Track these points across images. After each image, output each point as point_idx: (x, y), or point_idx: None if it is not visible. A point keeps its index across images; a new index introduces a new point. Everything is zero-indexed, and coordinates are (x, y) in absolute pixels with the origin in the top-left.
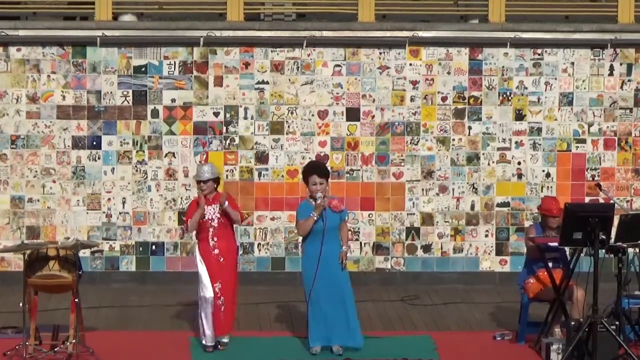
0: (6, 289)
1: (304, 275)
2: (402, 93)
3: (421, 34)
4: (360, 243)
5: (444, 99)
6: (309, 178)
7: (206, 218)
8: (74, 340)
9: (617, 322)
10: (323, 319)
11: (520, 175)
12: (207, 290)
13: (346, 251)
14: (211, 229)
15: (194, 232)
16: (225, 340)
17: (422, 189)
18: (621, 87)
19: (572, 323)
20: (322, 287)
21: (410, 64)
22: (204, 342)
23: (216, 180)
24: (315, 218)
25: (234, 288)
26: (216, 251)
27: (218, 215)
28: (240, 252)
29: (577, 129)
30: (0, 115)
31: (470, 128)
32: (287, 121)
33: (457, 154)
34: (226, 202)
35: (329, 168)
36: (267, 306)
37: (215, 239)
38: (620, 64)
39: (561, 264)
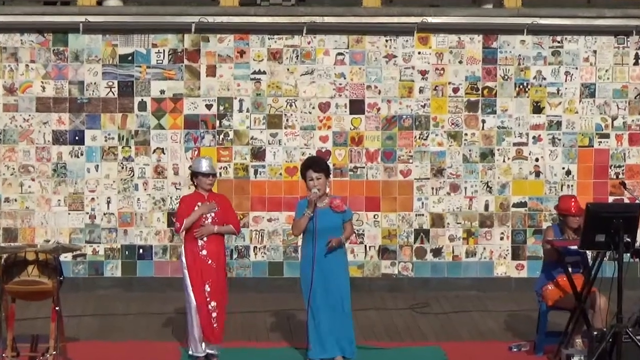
0: None
1: (302, 280)
2: (410, 84)
3: (431, 19)
4: (365, 246)
5: (455, 90)
6: (306, 174)
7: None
8: (54, 352)
9: None
10: (323, 328)
11: (538, 173)
12: (194, 295)
13: (340, 239)
14: None
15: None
16: (213, 352)
17: (432, 188)
18: None
19: (595, 333)
20: (320, 294)
21: (419, 53)
22: (191, 352)
23: (214, 175)
24: (308, 216)
25: (225, 293)
26: (204, 252)
27: (212, 215)
28: (235, 256)
29: (599, 123)
30: None
31: (484, 122)
32: (285, 114)
33: (470, 150)
34: (215, 227)
35: (329, 164)
36: (263, 315)
37: (205, 239)
38: None
39: (582, 269)
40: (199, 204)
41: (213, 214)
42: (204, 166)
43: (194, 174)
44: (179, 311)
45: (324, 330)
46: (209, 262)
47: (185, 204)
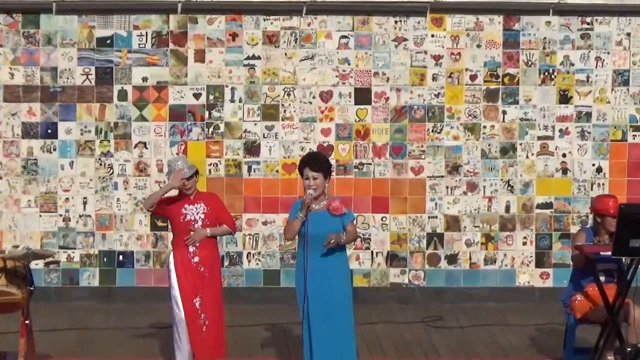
0: None
1: (297, 290)
2: (423, 70)
3: None
4: (372, 252)
5: (473, 77)
6: (303, 172)
7: (187, 219)
8: None
9: None
10: (319, 344)
11: (565, 171)
12: (181, 308)
13: (340, 237)
14: (192, 233)
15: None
16: None
17: (447, 187)
18: None
19: (629, 350)
20: (316, 306)
21: (432, 35)
22: None
23: (196, 174)
24: (301, 219)
25: (220, 305)
26: (196, 259)
27: (202, 216)
28: (226, 263)
29: (634, 114)
30: None
31: (504, 113)
32: (282, 104)
33: (489, 145)
34: (208, 231)
35: (331, 161)
36: (257, 329)
37: (196, 244)
38: None
39: (615, 278)
40: (186, 206)
41: (202, 216)
42: (174, 169)
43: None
44: (164, 325)
45: (320, 347)
46: (202, 270)
47: (168, 199)
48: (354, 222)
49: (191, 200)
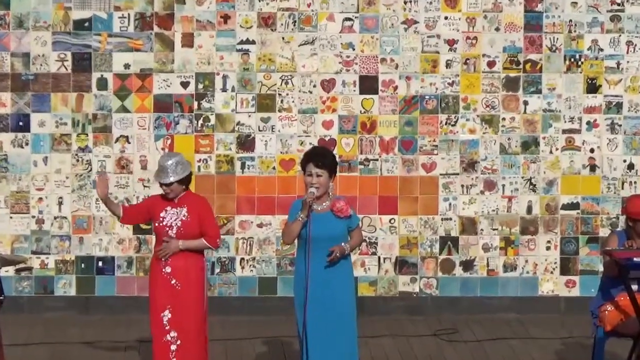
0: None
1: (295, 300)
2: (435, 56)
3: None
4: (379, 258)
5: (491, 64)
6: (305, 168)
7: (163, 223)
8: None
9: None
10: (318, 358)
11: (593, 167)
12: (152, 324)
13: (344, 248)
14: (166, 240)
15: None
16: None
17: (462, 186)
18: None
19: None
20: (316, 318)
21: (446, 18)
22: None
23: (184, 179)
24: (301, 220)
25: (198, 322)
26: (167, 269)
27: (179, 224)
28: (217, 270)
29: None
30: None
31: (526, 103)
32: (280, 94)
33: (509, 139)
34: (180, 243)
35: (335, 156)
36: (252, 342)
37: (167, 257)
38: None
39: None
40: (168, 208)
41: (179, 223)
42: (157, 171)
43: None
44: (147, 339)
45: None
46: (173, 282)
47: (151, 204)
48: (360, 226)
49: (175, 203)
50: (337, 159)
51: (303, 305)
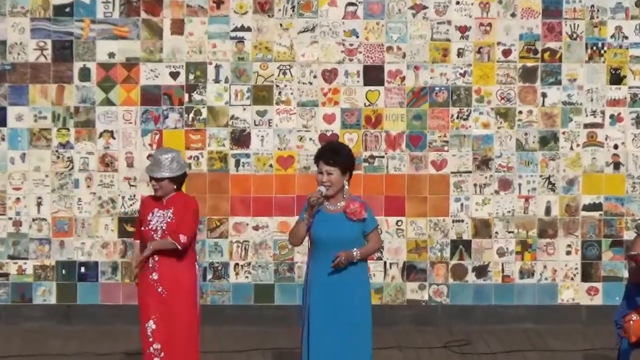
0: None
1: (303, 306)
2: (446, 45)
3: None
4: (385, 263)
5: (506, 53)
6: (317, 165)
7: (150, 227)
8: None
9: None
10: None
11: (617, 165)
12: (141, 333)
13: (352, 254)
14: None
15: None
16: None
17: (475, 185)
18: None
19: None
20: (319, 328)
21: (457, 3)
22: None
23: (177, 178)
24: (306, 221)
25: (187, 334)
26: (154, 276)
27: (164, 226)
28: (209, 276)
29: None
30: None
31: (544, 96)
32: (277, 85)
33: (526, 134)
34: (151, 246)
35: (351, 153)
36: (247, 355)
37: (157, 257)
38: None
39: None
40: (155, 210)
41: (164, 226)
42: (150, 164)
43: None
44: (134, 352)
45: None
46: (160, 290)
47: (142, 208)
48: (378, 230)
49: (163, 204)
50: (353, 156)
51: (306, 311)
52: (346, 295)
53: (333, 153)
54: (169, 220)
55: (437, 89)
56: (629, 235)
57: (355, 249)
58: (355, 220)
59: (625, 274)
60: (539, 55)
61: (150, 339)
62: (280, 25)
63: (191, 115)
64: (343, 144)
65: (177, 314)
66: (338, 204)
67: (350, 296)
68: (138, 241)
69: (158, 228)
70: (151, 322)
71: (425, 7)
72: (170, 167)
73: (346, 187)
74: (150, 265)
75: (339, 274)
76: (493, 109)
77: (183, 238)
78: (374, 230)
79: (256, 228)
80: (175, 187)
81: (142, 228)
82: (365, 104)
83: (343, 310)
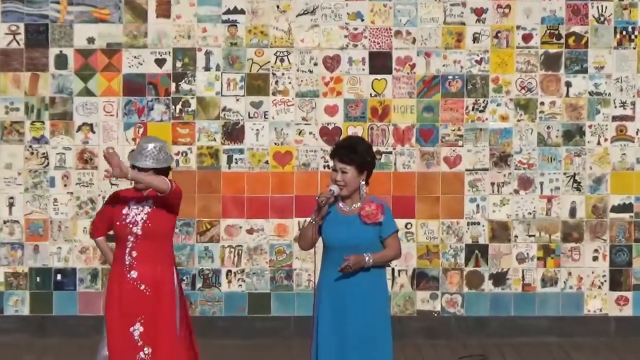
0: None
1: (313, 317)
2: (460, 29)
3: None
4: (393, 270)
5: (526, 38)
6: (332, 162)
7: (127, 221)
8: None
9: None
10: None
11: None
12: (109, 340)
13: (363, 259)
14: (130, 239)
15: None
16: None
17: (492, 184)
18: None
19: None
20: (331, 341)
21: None
22: None
23: (162, 171)
24: (315, 223)
25: (176, 333)
26: (133, 274)
27: (144, 217)
28: (199, 285)
29: None
30: None
31: (569, 85)
32: (274, 74)
33: (548, 127)
34: (129, 173)
35: (370, 149)
36: None
37: (135, 253)
38: None
39: None
40: (131, 204)
41: (144, 217)
42: (134, 152)
43: None
44: None
45: None
46: (142, 288)
47: (114, 201)
48: (396, 235)
49: (142, 197)
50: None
51: (315, 322)
52: (358, 306)
53: (349, 150)
54: (149, 210)
55: (450, 77)
56: None
57: (367, 254)
58: (370, 223)
59: None
60: (562, 41)
61: (140, 343)
62: (277, 7)
63: (179, 106)
64: (361, 139)
65: (162, 314)
66: (354, 205)
67: (363, 307)
68: (102, 238)
69: (138, 221)
70: (138, 324)
71: None
72: (157, 157)
73: (363, 186)
74: (127, 263)
75: (348, 282)
76: (512, 99)
77: (171, 185)
78: (392, 235)
79: (250, 231)
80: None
81: (117, 223)
82: (371, 94)
83: (354, 323)
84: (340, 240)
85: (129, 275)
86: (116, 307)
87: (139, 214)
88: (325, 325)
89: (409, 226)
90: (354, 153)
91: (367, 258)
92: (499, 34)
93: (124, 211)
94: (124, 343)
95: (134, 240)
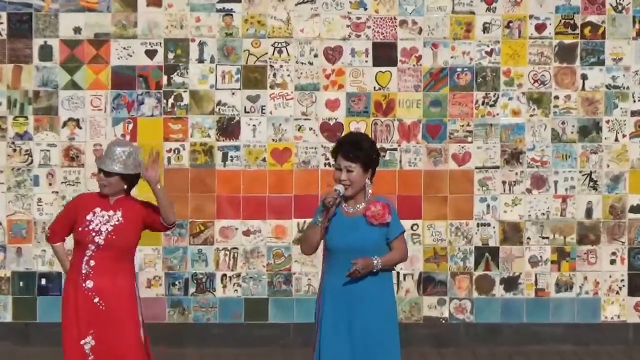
0: None
1: (315, 323)
2: (469, 18)
3: None
4: (398, 274)
5: (540, 28)
6: (335, 160)
7: (89, 228)
8: None
9: None
10: None
11: None
12: (65, 352)
13: (371, 263)
14: (91, 248)
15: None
16: None
17: (504, 183)
18: None
19: None
20: (335, 347)
21: None
22: None
23: (129, 178)
24: (321, 224)
25: (137, 351)
26: (89, 284)
27: (110, 229)
28: (193, 290)
29: None
30: None
31: (585, 78)
32: (272, 66)
33: (563, 123)
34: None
35: (375, 146)
36: None
37: (93, 263)
38: None
39: None
40: (97, 210)
41: (110, 228)
42: (102, 155)
43: None
44: None
45: None
46: (96, 300)
47: (77, 205)
48: (403, 237)
49: (109, 205)
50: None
51: (317, 329)
52: (365, 311)
53: (354, 146)
54: (116, 222)
55: (459, 70)
56: None
57: (375, 257)
58: (376, 224)
59: None
60: (578, 31)
61: (91, 358)
62: None
63: (170, 100)
64: (365, 136)
65: (117, 330)
66: (358, 205)
67: (370, 312)
68: (61, 243)
69: (102, 230)
70: (90, 337)
71: None
72: (125, 162)
73: (369, 186)
74: (84, 272)
75: (355, 286)
76: (524, 93)
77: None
78: (399, 237)
79: (247, 233)
80: (125, 187)
81: (79, 229)
82: (374, 87)
83: (361, 328)
84: (345, 243)
85: (84, 285)
86: (72, 315)
87: (105, 224)
88: (329, 333)
89: (415, 227)
90: (359, 150)
91: (375, 261)
92: (510, 24)
93: (88, 217)
94: (76, 354)
95: (94, 250)
